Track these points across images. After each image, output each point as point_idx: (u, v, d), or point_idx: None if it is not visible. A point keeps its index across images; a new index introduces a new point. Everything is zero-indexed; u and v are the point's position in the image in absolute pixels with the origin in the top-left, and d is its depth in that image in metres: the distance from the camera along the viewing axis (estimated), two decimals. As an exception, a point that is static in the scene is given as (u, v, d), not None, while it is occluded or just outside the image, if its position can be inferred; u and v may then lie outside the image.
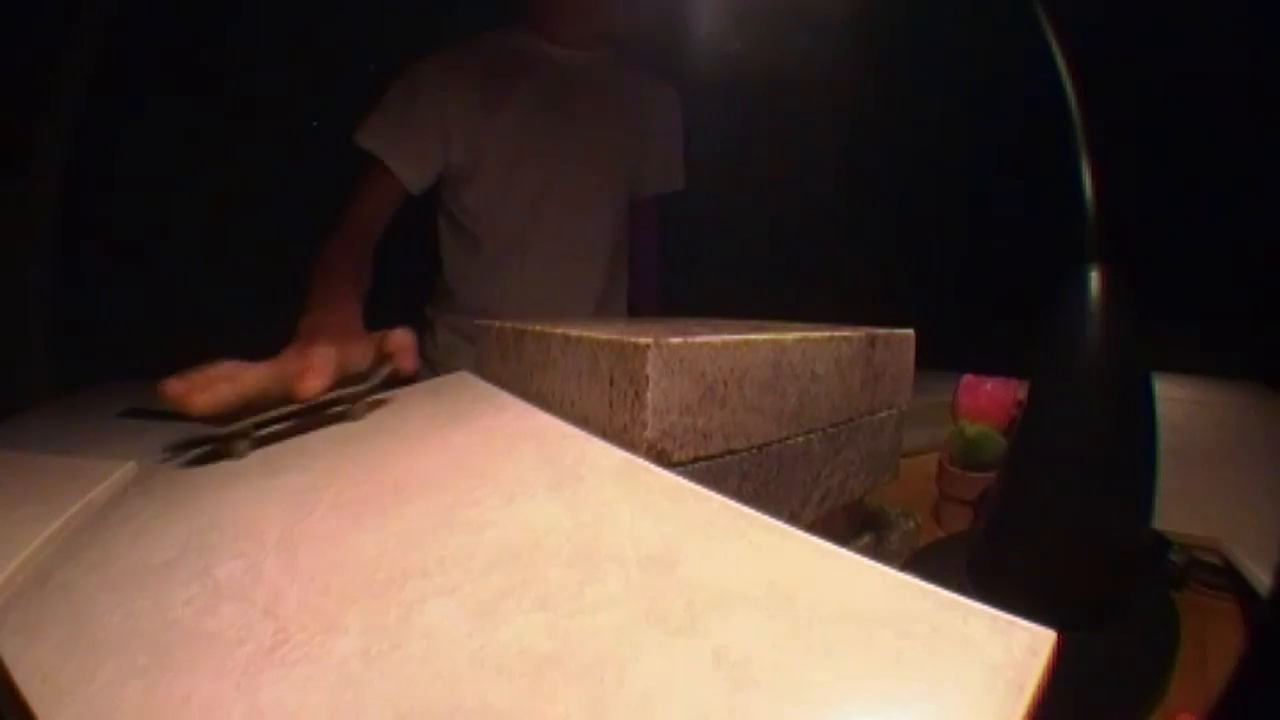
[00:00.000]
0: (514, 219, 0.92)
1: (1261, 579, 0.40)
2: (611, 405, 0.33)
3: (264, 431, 0.39)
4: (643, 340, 0.31)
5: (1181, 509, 0.47)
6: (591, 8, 0.91)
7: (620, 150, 0.97)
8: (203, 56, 0.96)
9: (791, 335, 0.37)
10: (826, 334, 0.39)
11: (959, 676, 0.19)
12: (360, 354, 0.46)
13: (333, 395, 0.41)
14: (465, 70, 0.87)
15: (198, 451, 0.40)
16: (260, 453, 0.38)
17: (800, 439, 0.39)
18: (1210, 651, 0.39)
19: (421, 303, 0.99)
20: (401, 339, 0.47)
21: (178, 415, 0.37)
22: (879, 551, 0.49)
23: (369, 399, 0.43)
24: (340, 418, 0.41)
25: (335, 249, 0.77)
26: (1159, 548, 0.46)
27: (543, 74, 0.90)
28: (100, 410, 0.58)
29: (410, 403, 0.43)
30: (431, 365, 0.96)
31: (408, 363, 0.47)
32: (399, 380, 0.47)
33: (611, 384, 0.32)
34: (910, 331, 0.47)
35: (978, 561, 0.42)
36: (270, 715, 0.20)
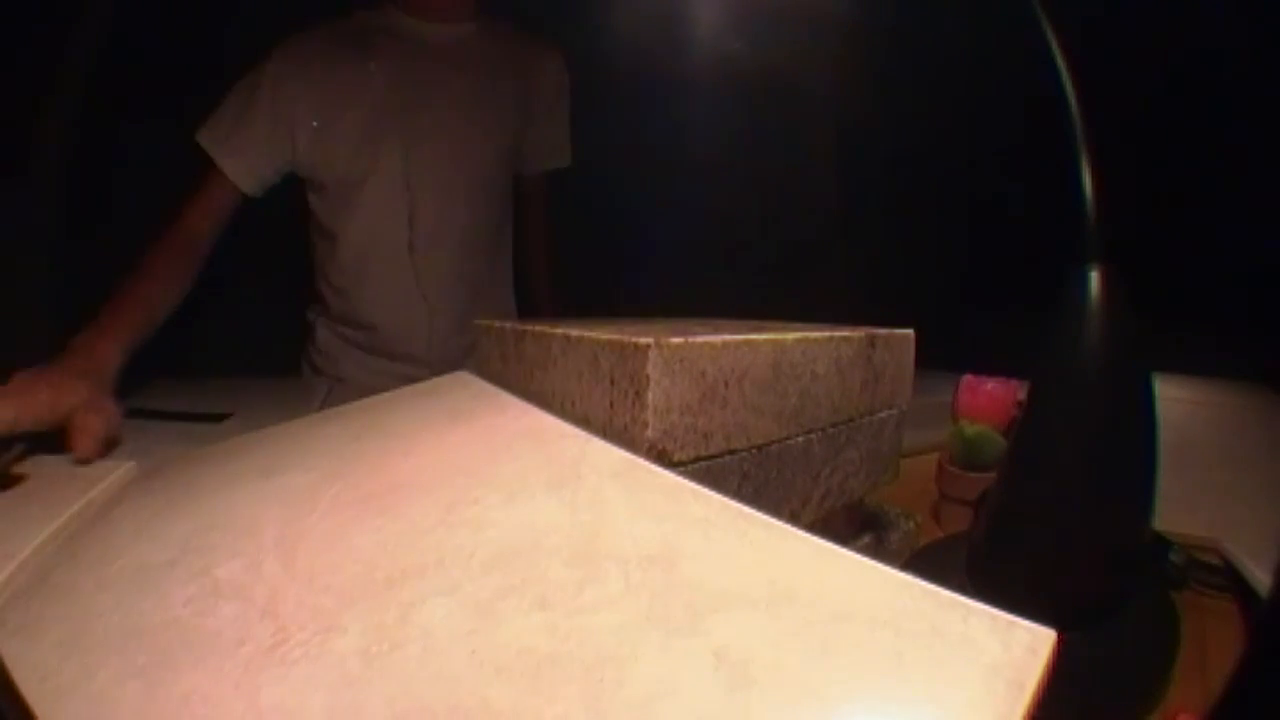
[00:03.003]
0: (371, 215, 0.84)
1: (1261, 579, 0.40)
2: (612, 405, 0.33)
3: None
4: (643, 340, 0.31)
5: (1181, 509, 0.47)
6: None
7: (497, 127, 0.88)
8: (202, 56, 0.96)
9: (791, 335, 0.37)
10: (826, 334, 0.39)
11: (959, 676, 0.19)
12: (47, 409, 0.45)
13: None
14: (317, 57, 0.80)
15: None
16: (259, 451, 0.38)
17: (800, 439, 0.39)
18: (1210, 651, 0.39)
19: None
20: (85, 420, 0.45)
21: (178, 415, 0.37)
22: (879, 551, 0.49)
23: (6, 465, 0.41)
24: None
25: (157, 255, 0.71)
26: (1159, 548, 0.46)
27: (403, 52, 0.82)
28: (100, 410, 0.58)
29: (409, 402, 0.43)
30: (314, 368, 0.91)
31: (83, 446, 0.44)
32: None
33: (612, 384, 0.32)
34: (910, 331, 0.47)
35: (978, 561, 0.42)
36: (270, 715, 0.20)
